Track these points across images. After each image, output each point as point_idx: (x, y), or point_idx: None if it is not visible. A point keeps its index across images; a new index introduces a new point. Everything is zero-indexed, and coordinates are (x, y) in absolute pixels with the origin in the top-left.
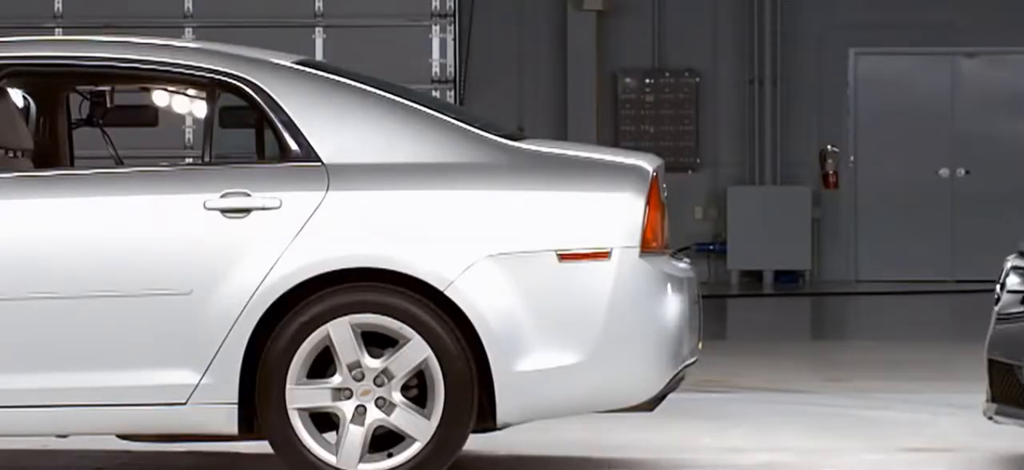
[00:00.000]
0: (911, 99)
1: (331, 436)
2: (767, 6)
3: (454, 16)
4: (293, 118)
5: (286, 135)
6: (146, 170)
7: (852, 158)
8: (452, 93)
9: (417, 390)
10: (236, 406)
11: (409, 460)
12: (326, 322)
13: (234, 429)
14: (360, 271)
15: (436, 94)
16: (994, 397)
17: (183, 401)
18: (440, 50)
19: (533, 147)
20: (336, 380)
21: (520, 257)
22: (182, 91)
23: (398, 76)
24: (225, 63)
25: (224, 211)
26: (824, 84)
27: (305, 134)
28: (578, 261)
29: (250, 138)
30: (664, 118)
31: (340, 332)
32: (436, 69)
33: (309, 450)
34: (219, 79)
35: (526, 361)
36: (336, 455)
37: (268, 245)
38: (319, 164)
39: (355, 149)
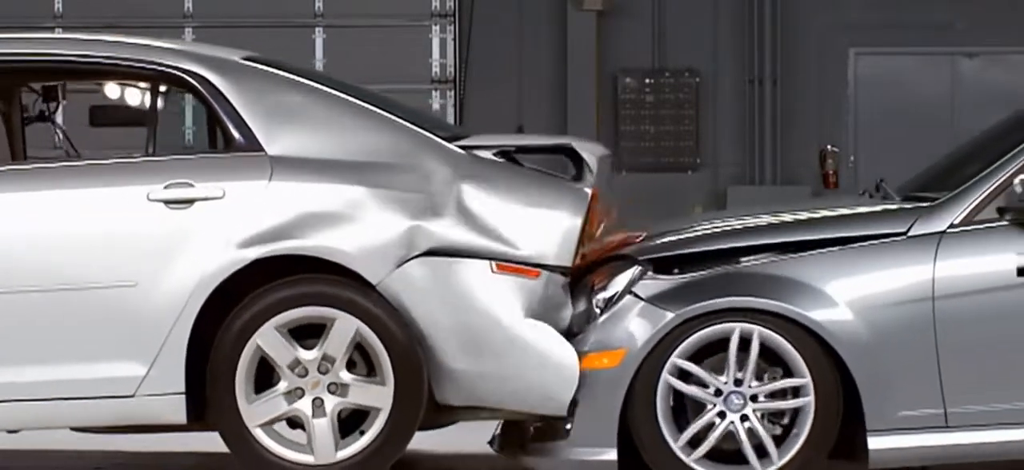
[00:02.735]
0: (911, 99)
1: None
2: (767, 6)
3: (454, 16)
4: (239, 110)
5: (231, 127)
6: (89, 163)
7: (852, 158)
8: (452, 93)
9: (367, 367)
10: (184, 396)
11: (382, 428)
12: (252, 335)
13: (183, 419)
14: (299, 261)
15: (436, 94)
16: None
17: (131, 393)
18: (440, 50)
19: (481, 153)
20: (283, 386)
21: (455, 261)
22: (131, 85)
23: (398, 76)
24: (173, 58)
25: (168, 202)
26: (824, 84)
27: (250, 125)
28: (511, 273)
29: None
30: (664, 118)
31: (268, 340)
32: (436, 69)
33: (284, 460)
34: (167, 73)
35: (453, 360)
36: (312, 454)
37: (211, 235)
38: (263, 154)
39: (299, 142)
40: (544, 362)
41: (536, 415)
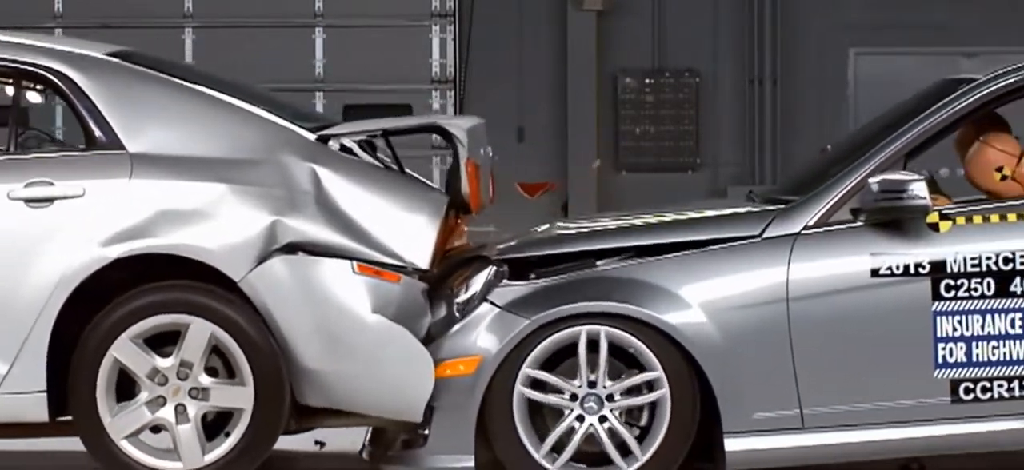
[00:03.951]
0: None
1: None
2: (767, 6)
3: (454, 16)
4: (99, 107)
5: (92, 124)
6: None
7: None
8: (452, 93)
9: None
10: (45, 394)
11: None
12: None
13: (45, 416)
14: (162, 259)
15: (436, 94)
16: None
17: None
18: (440, 50)
19: (342, 146)
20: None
21: (316, 260)
22: None
23: (398, 76)
24: (34, 55)
25: (28, 201)
26: (824, 84)
27: (111, 123)
28: (372, 275)
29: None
30: (664, 118)
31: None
32: (436, 69)
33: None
34: (28, 70)
35: (311, 360)
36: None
37: (72, 233)
38: (124, 153)
39: (161, 139)
40: (400, 366)
41: (392, 419)
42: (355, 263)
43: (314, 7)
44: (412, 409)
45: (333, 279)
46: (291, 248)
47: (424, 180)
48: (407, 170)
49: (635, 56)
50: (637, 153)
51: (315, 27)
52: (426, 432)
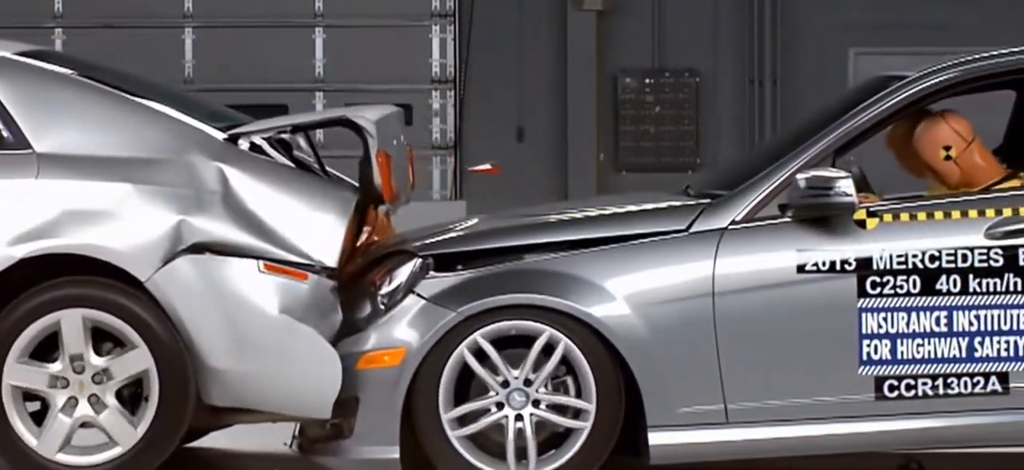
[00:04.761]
0: None
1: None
2: (767, 6)
3: (454, 16)
4: (6, 106)
5: None
6: None
7: (852, 158)
8: (452, 93)
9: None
10: None
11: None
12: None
13: None
14: (64, 259)
15: (436, 94)
16: None
17: None
18: (440, 50)
19: (251, 142)
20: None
21: (223, 260)
22: None
23: (398, 76)
24: None
25: None
26: (824, 84)
27: (17, 122)
28: (279, 274)
29: None
30: (664, 118)
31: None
32: (436, 69)
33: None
34: None
35: (218, 360)
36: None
37: None
38: (30, 152)
39: (68, 139)
40: (307, 364)
41: (299, 417)
42: (262, 262)
43: (314, 7)
44: (319, 406)
45: (239, 278)
46: (197, 248)
47: (342, 177)
48: (328, 169)
49: (635, 56)
50: (637, 153)
51: (315, 27)
52: (353, 423)
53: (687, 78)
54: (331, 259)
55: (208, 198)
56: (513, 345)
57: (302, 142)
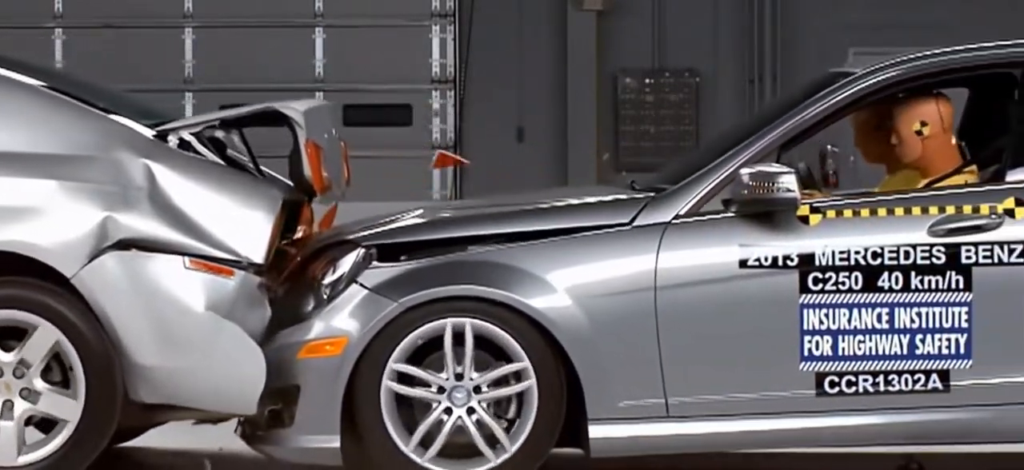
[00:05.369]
0: None
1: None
2: (767, 6)
3: (454, 16)
4: None
5: None
6: None
7: (852, 158)
8: (452, 93)
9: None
10: None
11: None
12: None
13: None
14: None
15: (436, 94)
16: None
17: None
18: (440, 50)
19: (181, 140)
20: None
21: (148, 256)
22: None
23: (398, 76)
24: None
25: None
26: None
27: None
28: (205, 271)
29: None
30: (664, 118)
31: None
32: (436, 69)
33: None
34: None
35: (144, 357)
36: None
37: None
38: None
39: None
40: (231, 361)
41: (226, 413)
42: (188, 258)
43: (314, 7)
44: (244, 402)
45: (165, 275)
46: (124, 244)
47: (275, 176)
48: (263, 167)
49: (635, 56)
50: (637, 153)
51: (315, 27)
52: (294, 411)
53: (687, 78)
54: (258, 256)
55: (135, 195)
56: (438, 347)
57: (237, 140)
